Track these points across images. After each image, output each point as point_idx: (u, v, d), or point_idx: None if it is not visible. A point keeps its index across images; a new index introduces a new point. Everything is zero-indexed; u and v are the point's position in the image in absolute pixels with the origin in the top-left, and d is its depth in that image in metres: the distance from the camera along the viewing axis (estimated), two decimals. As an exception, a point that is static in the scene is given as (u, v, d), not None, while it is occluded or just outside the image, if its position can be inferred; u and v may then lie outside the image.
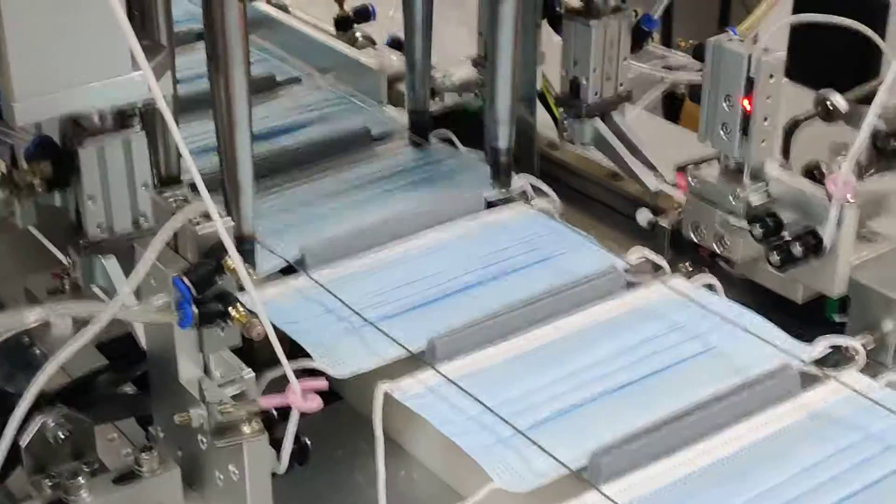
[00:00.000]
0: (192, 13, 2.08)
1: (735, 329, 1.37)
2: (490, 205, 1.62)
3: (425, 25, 1.71)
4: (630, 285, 1.46)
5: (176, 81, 1.37)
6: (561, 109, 1.75)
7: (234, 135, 1.39)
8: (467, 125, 1.83)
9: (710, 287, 1.45)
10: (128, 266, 1.34)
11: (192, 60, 1.86)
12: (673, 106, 3.17)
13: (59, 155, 1.32)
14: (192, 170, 1.00)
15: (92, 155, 1.31)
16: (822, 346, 1.33)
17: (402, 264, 1.49)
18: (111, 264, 1.35)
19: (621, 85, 1.73)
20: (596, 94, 1.71)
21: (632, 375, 1.31)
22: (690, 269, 1.48)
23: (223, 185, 1.42)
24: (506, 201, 1.63)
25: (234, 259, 1.06)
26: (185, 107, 1.62)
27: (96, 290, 1.39)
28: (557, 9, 1.74)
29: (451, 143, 1.76)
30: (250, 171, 1.41)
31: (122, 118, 1.32)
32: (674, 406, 1.25)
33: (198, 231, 1.11)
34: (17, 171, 1.34)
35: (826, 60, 2.54)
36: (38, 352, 1.42)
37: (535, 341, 1.36)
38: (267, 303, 1.37)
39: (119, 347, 1.39)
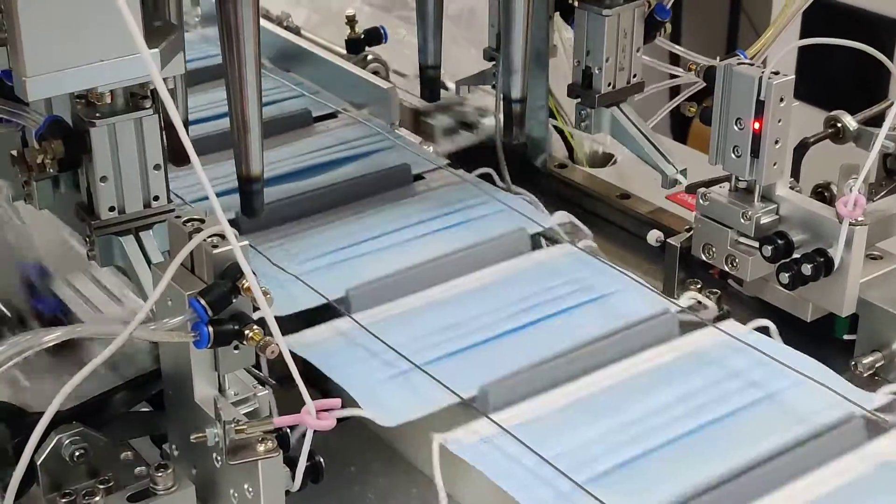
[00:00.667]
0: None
1: (795, 375, 1.33)
2: (535, 244, 1.58)
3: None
4: (683, 328, 1.43)
5: (186, 60, 1.32)
6: (577, 99, 1.71)
7: (241, 70, 1.35)
8: (506, 160, 1.77)
9: (765, 330, 1.42)
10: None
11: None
12: (681, 127, 3.20)
13: (70, 135, 1.30)
14: (207, 186, 0.99)
15: (104, 135, 1.29)
16: (884, 393, 1.32)
17: (446, 306, 1.45)
18: (130, 244, 1.33)
19: (634, 76, 1.71)
20: (609, 85, 1.68)
21: (690, 425, 1.27)
22: (700, 287, 1.48)
23: (231, 127, 1.39)
24: (551, 240, 1.59)
25: (249, 280, 1.07)
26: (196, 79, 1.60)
27: (107, 284, 1.38)
28: (570, 0, 1.70)
29: (491, 180, 1.72)
30: (258, 110, 1.37)
31: (135, 99, 1.30)
32: (737, 458, 1.21)
33: (213, 252, 1.11)
34: (29, 150, 1.32)
35: (835, 82, 2.55)
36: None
37: (589, 388, 1.32)
38: (310, 346, 1.36)
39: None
